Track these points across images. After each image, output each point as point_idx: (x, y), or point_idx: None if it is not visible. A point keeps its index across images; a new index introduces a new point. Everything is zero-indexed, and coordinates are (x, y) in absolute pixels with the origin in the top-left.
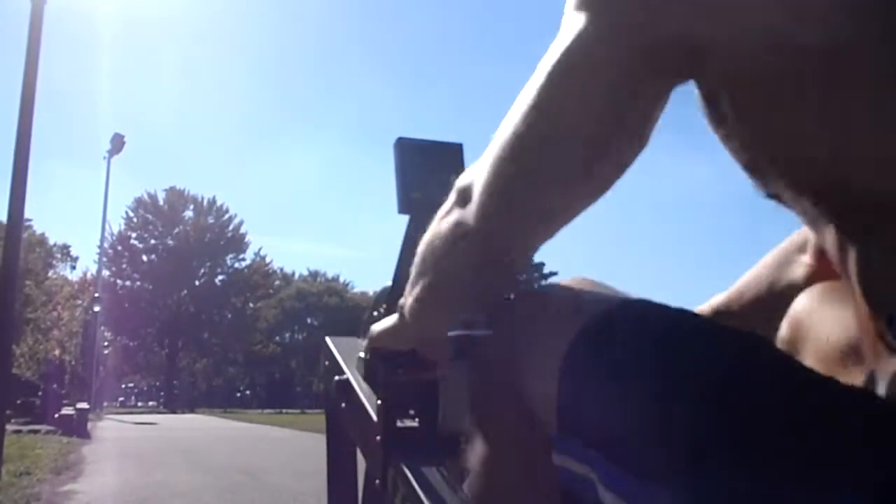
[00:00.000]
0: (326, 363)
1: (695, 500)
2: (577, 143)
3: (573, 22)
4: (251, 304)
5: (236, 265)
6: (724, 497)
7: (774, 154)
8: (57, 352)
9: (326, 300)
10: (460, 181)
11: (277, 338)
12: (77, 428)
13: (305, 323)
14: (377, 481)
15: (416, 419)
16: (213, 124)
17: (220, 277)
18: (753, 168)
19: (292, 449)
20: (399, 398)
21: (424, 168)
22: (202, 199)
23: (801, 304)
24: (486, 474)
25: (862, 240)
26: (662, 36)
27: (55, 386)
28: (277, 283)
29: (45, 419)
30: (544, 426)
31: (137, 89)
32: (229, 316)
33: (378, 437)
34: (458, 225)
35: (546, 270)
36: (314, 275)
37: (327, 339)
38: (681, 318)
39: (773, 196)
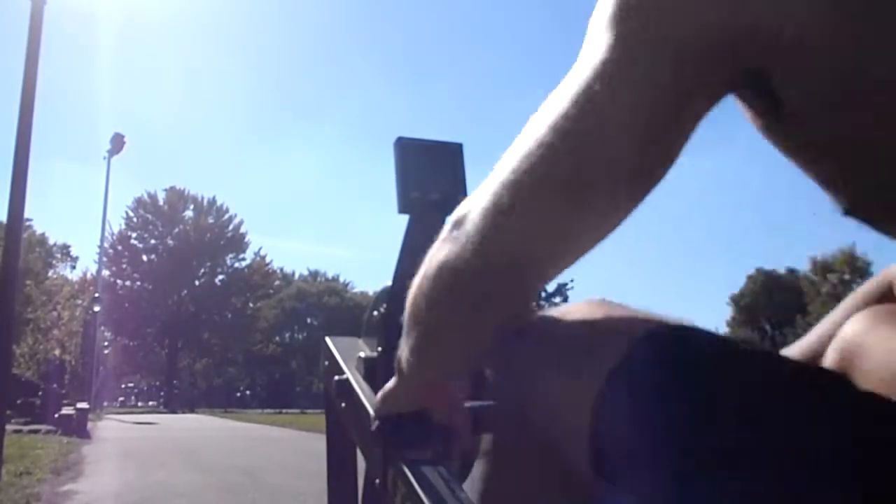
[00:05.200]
0: (326, 363)
1: None
2: (616, 169)
3: (606, 40)
4: (251, 304)
5: (236, 265)
6: None
7: (859, 161)
8: (57, 352)
9: (326, 300)
10: (454, 215)
11: (277, 338)
12: (77, 428)
13: (305, 323)
14: (377, 481)
15: None
16: (214, 124)
17: (220, 277)
18: (830, 181)
19: (292, 449)
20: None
21: (424, 168)
22: (202, 199)
23: (853, 329)
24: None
25: None
26: (724, 35)
27: (55, 386)
28: (277, 283)
29: (45, 419)
30: (572, 463)
31: (137, 89)
32: (229, 316)
33: None
34: (453, 262)
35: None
36: (314, 275)
37: (327, 339)
38: (725, 346)
39: (851, 213)
